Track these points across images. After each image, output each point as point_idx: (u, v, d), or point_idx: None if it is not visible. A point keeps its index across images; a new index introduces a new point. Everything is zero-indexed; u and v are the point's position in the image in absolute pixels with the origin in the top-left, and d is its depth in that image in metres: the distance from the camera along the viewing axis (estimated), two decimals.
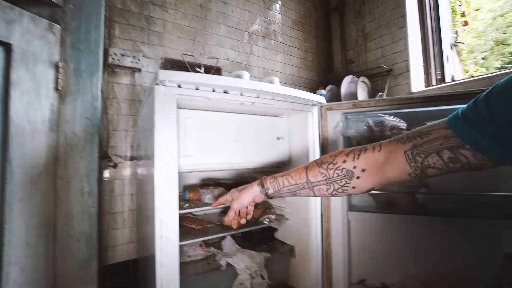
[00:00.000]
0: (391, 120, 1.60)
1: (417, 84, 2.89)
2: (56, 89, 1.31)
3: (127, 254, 2.28)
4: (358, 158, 0.68)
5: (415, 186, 1.55)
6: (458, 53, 3.05)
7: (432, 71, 2.96)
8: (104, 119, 2.23)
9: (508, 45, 2.72)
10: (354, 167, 0.68)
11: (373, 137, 1.62)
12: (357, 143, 1.69)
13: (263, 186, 0.87)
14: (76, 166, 1.37)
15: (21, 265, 1.17)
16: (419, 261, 1.69)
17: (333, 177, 0.71)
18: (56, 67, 1.32)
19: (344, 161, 0.70)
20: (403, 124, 1.59)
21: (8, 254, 1.13)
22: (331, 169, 0.71)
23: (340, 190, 0.71)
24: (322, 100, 1.91)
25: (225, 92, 1.56)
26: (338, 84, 3.36)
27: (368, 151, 0.68)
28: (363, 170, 0.67)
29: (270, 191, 0.85)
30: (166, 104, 1.37)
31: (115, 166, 2.26)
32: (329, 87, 3.42)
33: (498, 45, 2.81)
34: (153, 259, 1.34)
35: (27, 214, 1.19)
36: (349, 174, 0.68)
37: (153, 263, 1.34)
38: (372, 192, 1.72)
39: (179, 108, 1.59)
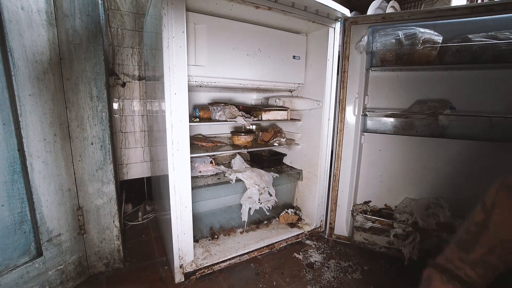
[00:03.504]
0: (425, 32, 1.41)
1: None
2: None
3: (141, 172, 2.40)
4: None
5: (439, 107, 1.45)
6: None
7: None
8: (108, 32, 2.09)
9: None
10: None
11: (401, 51, 1.46)
12: (382, 59, 1.54)
13: None
14: (82, 68, 1.31)
15: (42, 158, 1.22)
16: (425, 185, 1.71)
17: None
18: None
19: None
20: (438, 38, 1.40)
21: (27, 146, 1.16)
22: None
23: None
24: (347, 12, 1.69)
25: None
26: (363, 10, 3.02)
27: None
28: None
29: None
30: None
31: (123, 85, 2.20)
32: (352, 14, 3.06)
33: None
34: (165, 165, 1.38)
35: (39, 110, 1.19)
36: None
37: (165, 169, 1.38)
38: (392, 112, 1.64)
39: (188, 11, 1.43)
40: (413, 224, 1.57)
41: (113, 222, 1.50)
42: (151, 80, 1.83)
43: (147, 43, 1.93)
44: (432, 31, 1.42)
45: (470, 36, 1.33)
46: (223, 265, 1.57)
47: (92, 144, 1.40)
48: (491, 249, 0.66)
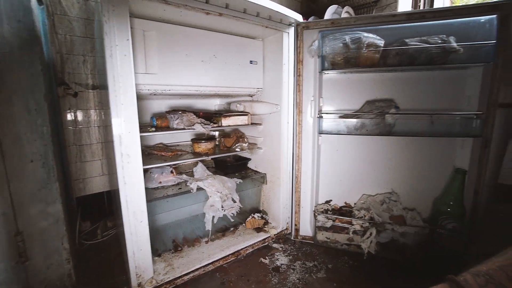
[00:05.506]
0: (368, 36, 1.49)
1: None
2: None
3: (101, 186, 2.26)
4: None
5: (386, 106, 1.54)
6: None
7: (421, 2, 2.76)
8: (54, 39, 1.95)
9: None
10: None
11: (348, 55, 1.53)
12: (332, 63, 1.60)
13: None
14: (16, 79, 1.20)
15: None
16: (379, 181, 1.81)
17: None
18: None
19: None
20: (380, 42, 1.49)
21: None
22: None
23: None
24: (299, 18, 1.74)
25: None
26: (321, 15, 3.16)
27: None
28: None
29: None
30: (115, 3, 1.16)
31: (75, 95, 2.06)
32: (311, 19, 3.19)
33: None
34: (116, 179, 1.30)
35: None
36: None
37: (117, 183, 1.31)
38: (344, 114, 1.72)
39: (136, 17, 1.38)
40: (370, 220, 1.63)
41: (62, 244, 1.39)
42: (102, 89, 1.74)
43: (98, 50, 1.84)
44: (375, 36, 1.51)
45: (406, 40, 1.44)
46: (186, 278, 1.52)
47: (32, 161, 1.28)
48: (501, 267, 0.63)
